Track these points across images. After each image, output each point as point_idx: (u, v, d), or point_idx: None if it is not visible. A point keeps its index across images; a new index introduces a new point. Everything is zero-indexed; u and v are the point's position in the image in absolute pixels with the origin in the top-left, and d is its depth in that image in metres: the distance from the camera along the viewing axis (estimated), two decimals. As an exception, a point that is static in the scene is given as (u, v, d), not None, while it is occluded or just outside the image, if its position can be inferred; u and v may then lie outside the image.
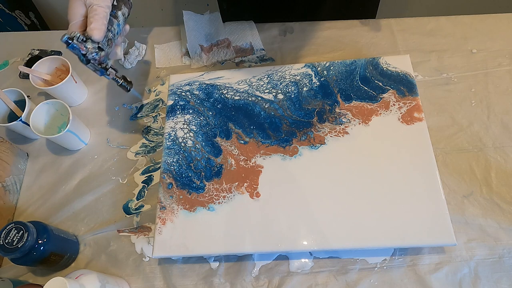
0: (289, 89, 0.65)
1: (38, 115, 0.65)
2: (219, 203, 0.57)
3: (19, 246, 0.50)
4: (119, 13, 0.56)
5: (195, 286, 0.57)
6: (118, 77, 0.59)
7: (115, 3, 0.56)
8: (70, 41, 0.50)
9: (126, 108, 0.73)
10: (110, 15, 0.54)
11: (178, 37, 0.80)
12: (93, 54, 0.52)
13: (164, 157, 0.62)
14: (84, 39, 0.51)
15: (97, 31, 0.51)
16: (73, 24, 0.52)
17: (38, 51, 0.80)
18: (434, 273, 0.54)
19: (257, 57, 0.76)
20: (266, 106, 0.64)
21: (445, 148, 0.62)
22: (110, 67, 0.57)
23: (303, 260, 0.57)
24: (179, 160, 0.61)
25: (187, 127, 0.64)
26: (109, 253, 0.60)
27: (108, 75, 0.57)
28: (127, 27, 0.60)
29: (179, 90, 0.68)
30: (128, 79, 0.61)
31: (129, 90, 0.62)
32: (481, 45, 0.71)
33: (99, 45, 0.52)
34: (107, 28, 0.53)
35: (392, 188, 0.55)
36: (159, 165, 0.66)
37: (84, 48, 0.51)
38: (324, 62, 0.67)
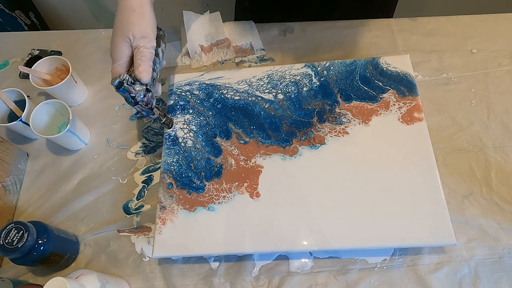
0: (289, 89, 0.65)
1: (38, 115, 0.65)
2: (219, 203, 0.57)
3: (19, 246, 0.50)
4: (159, 50, 0.56)
5: (195, 286, 0.57)
6: (161, 115, 0.58)
7: None
8: (121, 86, 0.49)
9: (126, 108, 0.73)
10: None
11: (178, 37, 0.79)
12: (141, 96, 0.52)
13: (164, 157, 0.62)
14: (133, 81, 0.50)
15: (146, 73, 0.50)
16: (118, 64, 0.52)
17: (38, 51, 0.80)
18: (434, 273, 0.54)
19: (257, 57, 0.76)
20: (266, 106, 0.64)
21: (445, 148, 0.62)
22: (155, 106, 0.56)
23: (303, 260, 0.57)
24: (179, 160, 0.61)
25: (187, 127, 0.64)
26: (109, 253, 0.60)
27: (153, 114, 0.56)
28: (164, 62, 0.59)
29: (179, 90, 0.68)
30: (170, 117, 0.60)
31: (170, 127, 0.61)
32: (481, 45, 0.71)
33: (147, 86, 0.52)
34: (152, 68, 0.53)
35: (392, 188, 0.55)
36: (159, 165, 0.66)
37: (133, 91, 0.51)
38: (324, 62, 0.67)
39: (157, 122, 0.58)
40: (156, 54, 0.55)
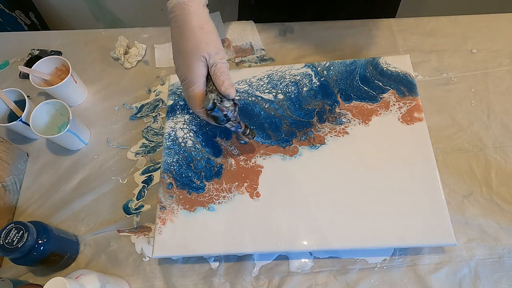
0: (289, 89, 0.65)
1: (38, 115, 0.65)
2: (219, 203, 0.57)
3: (19, 246, 0.50)
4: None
5: (195, 286, 0.57)
6: (246, 127, 0.56)
7: None
8: (214, 106, 0.48)
9: (126, 108, 0.73)
10: None
11: (178, 37, 0.79)
12: (232, 112, 0.50)
13: (164, 157, 0.62)
14: (220, 99, 0.49)
15: (232, 88, 0.49)
16: (198, 86, 0.50)
17: (38, 51, 0.80)
18: (434, 273, 0.54)
19: (257, 57, 0.76)
20: (266, 106, 0.64)
21: (445, 148, 0.62)
22: (241, 120, 0.55)
23: (303, 260, 0.57)
24: (179, 160, 0.61)
25: (187, 127, 0.64)
26: (109, 253, 0.60)
27: (241, 128, 0.55)
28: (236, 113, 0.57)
29: (179, 90, 0.68)
30: (251, 129, 0.58)
31: (253, 138, 0.58)
32: (481, 45, 0.71)
33: (234, 101, 0.51)
34: None
35: (392, 188, 0.55)
36: (159, 165, 0.66)
37: (225, 109, 0.49)
38: (324, 62, 0.67)
39: (241, 136, 0.57)
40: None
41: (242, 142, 0.58)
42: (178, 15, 0.50)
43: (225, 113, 0.50)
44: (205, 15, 0.51)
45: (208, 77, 0.50)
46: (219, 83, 0.49)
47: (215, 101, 0.48)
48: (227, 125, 0.52)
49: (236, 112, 0.51)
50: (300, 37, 0.77)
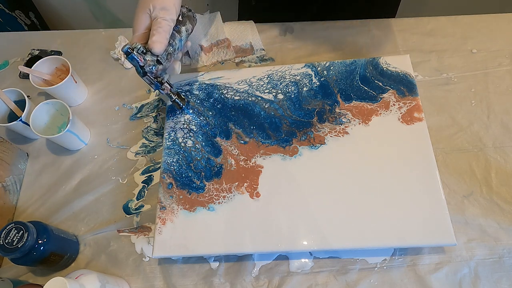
0: (289, 89, 0.65)
1: (38, 115, 0.65)
2: (219, 203, 0.57)
3: (19, 246, 0.50)
4: (183, 28, 0.56)
5: (195, 286, 0.57)
6: (172, 93, 0.57)
7: (180, 18, 0.55)
8: (130, 51, 0.49)
9: (126, 108, 0.73)
10: (174, 29, 0.54)
11: (178, 37, 0.79)
12: (150, 67, 0.51)
13: (164, 157, 0.62)
14: (144, 51, 0.50)
15: (158, 44, 0.50)
16: (136, 35, 0.52)
17: (38, 51, 0.80)
18: (434, 273, 0.54)
19: (257, 57, 0.76)
20: (266, 106, 0.64)
21: (445, 148, 0.62)
22: (166, 82, 0.56)
23: (303, 260, 0.57)
24: (179, 160, 0.61)
25: (187, 127, 0.64)
26: (109, 253, 0.60)
27: (163, 89, 0.56)
28: (189, 43, 0.59)
29: (179, 90, 0.68)
30: (182, 96, 0.59)
31: (181, 107, 0.60)
32: (481, 45, 0.71)
33: (158, 58, 0.52)
34: (169, 42, 0.52)
35: (392, 188, 0.55)
36: (159, 165, 0.66)
37: (143, 60, 0.50)
38: (324, 62, 0.67)
39: (168, 99, 0.58)
40: (178, 31, 0.54)
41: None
42: None
43: (141, 64, 0.50)
44: None
45: None
46: (150, 35, 0.50)
47: (133, 48, 0.49)
48: (145, 79, 0.53)
49: (156, 70, 0.52)
50: (300, 37, 0.77)
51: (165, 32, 0.51)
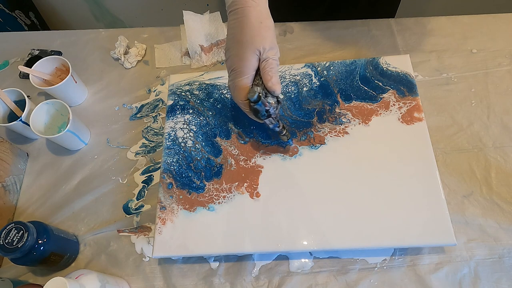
0: (289, 89, 0.65)
1: (38, 115, 0.65)
2: (219, 203, 0.57)
3: (19, 246, 0.50)
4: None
5: (195, 286, 0.57)
6: (284, 127, 0.57)
7: None
8: (259, 99, 0.48)
9: (126, 108, 0.73)
10: None
11: (178, 37, 0.80)
12: (274, 109, 0.51)
13: (164, 157, 0.62)
14: (265, 94, 0.50)
15: (278, 85, 0.49)
16: (247, 77, 0.50)
17: (38, 51, 0.80)
18: (434, 273, 0.54)
19: (257, 57, 0.75)
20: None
21: (445, 148, 0.62)
22: (279, 119, 0.55)
23: (303, 260, 0.57)
24: (179, 160, 0.61)
25: (187, 127, 0.64)
26: (109, 253, 0.60)
27: (279, 127, 0.55)
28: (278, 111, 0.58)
29: (179, 90, 0.68)
30: (288, 130, 0.59)
31: (288, 139, 0.60)
32: (481, 45, 0.71)
33: (278, 99, 0.51)
34: None
35: (392, 188, 0.55)
36: (159, 165, 0.66)
37: (268, 104, 0.50)
38: (324, 62, 0.67)
39: (278, 134, 0.58)
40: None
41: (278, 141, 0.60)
42: (240, 8, 0.50)
43: (267, 108, 0.50)
44: (266, 10, 0.52)
45: (257, 72, 0.51)
46: (267, 78, 0.49)
47: (260, 94, 0.48)
48: (267, 121, 0.53)
49: (278, 110, 0.52)
50: (300, 37, 0.77)
51: (277, 72, 0.50)
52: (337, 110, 0.62)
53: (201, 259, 0.58)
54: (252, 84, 0.51)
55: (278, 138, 0.60)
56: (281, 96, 0.50)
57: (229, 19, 0.52)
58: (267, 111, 0.50)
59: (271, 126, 0.54)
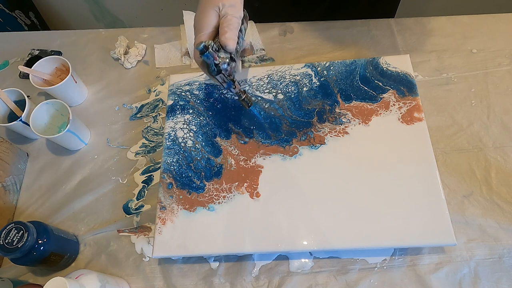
0: (289, 89, 0.65)
1: (38, 115, 0.65)
2: (219, 203, 0.57)
3: (19, 246, 0.50)
4: (242, 27, 0.55)
5: (195, 286, 0.57)
6: (241, 91, 0.56)
7: None
8: (206, 49, 0.48)
9: (126, 108, 0.73)
10: None
11: (178, 37, 0.80)
12: (225, 65, 0.51)
13: (164, 157, 0.62)
14: (217, 48, 0.49)
15: (232, 41, 0.49)
16: (204, 34, 0.51)
17: (38, 51, 0.80)
18: (434, 273, 0.54)
19: (257, 57, 0.76)
20: (266, 106, 0.64)
21: (445, 148, 0.62)
22: (236, 80, 0.55)
23: (303, 260, 0.57)
24: (179, 160, 0.61)
25: (187, 127, 0.64)
26: (109, 253, 0.60)
27: (234, 88, 0.55)
28: (246, 42, 0.59)
29: (179, 90, 0.68)
30: (249, 96, 0.58)
31: (249, 106, 0.59)
32: (481, 45, 0.71)
33: (231, 55, 0.51)
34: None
35: (392, 188, 0.55)
36: (159, 165, 0.66)
37: (218, 58, 0.49)
38: (324, 62, 0.67)
39: (237, 97, 0.57)
40: (240, 30, 0.53)
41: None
42: None
43: (216, 62, 0.49)
44: None
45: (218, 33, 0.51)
46: (221, 32, 0.49)
47: (207, 45, 0.48)
48: (218, 78, 0.52)
49: (231, 68, 0.51)
50: (300, 37, 0.77)
51: (236, 29, 0.50)
52: (337, 110, 0.62)
53: (201, 259, 0.58)
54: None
55: (279, 138, 0.60)
56: (231, 48, 0.49)
57: None
58: (217, 66, 0.50)
59: (224, 85, 0.54)
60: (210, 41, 0.49)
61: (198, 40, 0.51)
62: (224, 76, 0.52)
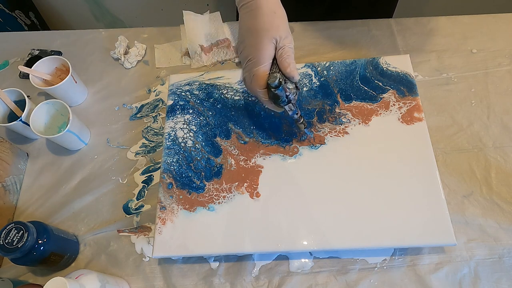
0: (289, 89, 0.65)
1: (38, 115, 0.65)
2: (219, 203, 0.57)
3: (19, 246, 0.50)
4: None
5: (195, 286, 0.57)
6: (301, 116, 0.57)
7: None
8: (280, 84, 0.49)
9: (126, 108, 0.73)
10: None
11: (178, 37, 0.80)
12: (294, 95, 0.52)
13: (164, 157, 0.62)
14: (284, 81, 0.50)
15: (296, 71, 0.51)
16: (265, 66, 0.51)
17: (38, 51, 0.80)
18: (434, 273, 0.54)
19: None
20: (266, 106, 0.64)
21: (445, 148, 0.62)
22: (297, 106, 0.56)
23: (303, 260, 0.57)
24: (179, 160, 0.61)
25: (187, 127, 0.64)
26: (109, 253, 0.60)
27: (297, 114, 0.56)
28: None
29: (179, 90, 0.68)
30: (304, 118, 0.60)
31: (305, 128, 0.60)
32: (481, 45, 0.71)
33: (296, 85, 0.52)
34: None
35: (392, 188, 0.55)
36: (159, 165, 0.66)
37: (288, 90, 0.50)
38: (324, 62, 0.67)
39: (295, 122, 0.58)
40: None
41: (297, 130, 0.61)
42: (252, 0, 0.52)
43: (287, 94, 0.51)
44: (277, 0, 0.53)
45: (273, 61, 0.52)
46: (284, 65, 0.50)
47: (280, 80, 0.49)
48: (286, 107, 0.53)
49: (296, 96, 0.53)
50: (300, 37, 0.77)
51: (293, 58, 0.52)
52: (337, 110, 0.62)
53: (201, 259, 0.58)
54: (269, 73, 0.51)
55: (279, 138, 0.60)
56: (297, 79, 0.51)
57: (241, 13, 0.53)
58: (287, 97, 0.51)
59: (290, 113, 0.55)
60: (279, 75, 0.50)
61: (258, 73, 0.51)
62: (292, 105, 0.53)
